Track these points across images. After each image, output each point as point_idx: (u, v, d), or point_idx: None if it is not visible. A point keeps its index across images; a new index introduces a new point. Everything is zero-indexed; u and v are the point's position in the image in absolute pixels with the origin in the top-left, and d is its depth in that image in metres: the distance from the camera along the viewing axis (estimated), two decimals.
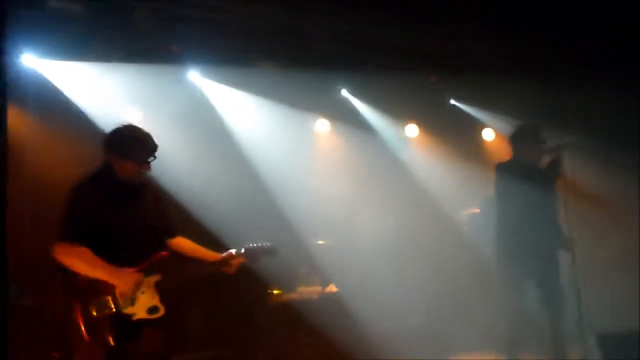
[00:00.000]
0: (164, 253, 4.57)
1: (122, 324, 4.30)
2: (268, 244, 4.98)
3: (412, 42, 8.33)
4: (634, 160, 8.20)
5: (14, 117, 7.27)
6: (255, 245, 4.93)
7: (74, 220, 4.34)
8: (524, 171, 6.22)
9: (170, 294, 4.56)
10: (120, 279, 4.30)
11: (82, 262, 4.26)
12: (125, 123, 4.70)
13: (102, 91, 7.63)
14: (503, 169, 6.40)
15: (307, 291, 8.33)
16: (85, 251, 4.27)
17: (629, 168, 8.29)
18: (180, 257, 4.81)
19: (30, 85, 7.21)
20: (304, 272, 8.51)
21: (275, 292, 8.29)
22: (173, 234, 4.85)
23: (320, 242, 8.85)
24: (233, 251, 4.88)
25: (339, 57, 8.47)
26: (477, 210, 8.83)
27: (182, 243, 4.87)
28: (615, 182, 8.53)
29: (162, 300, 4.49)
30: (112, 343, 4.21)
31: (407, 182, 9.52)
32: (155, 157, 4.58)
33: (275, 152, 8.80)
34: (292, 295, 8.31)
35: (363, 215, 9.04)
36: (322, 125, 9.57)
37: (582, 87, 8.26)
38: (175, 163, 7.81)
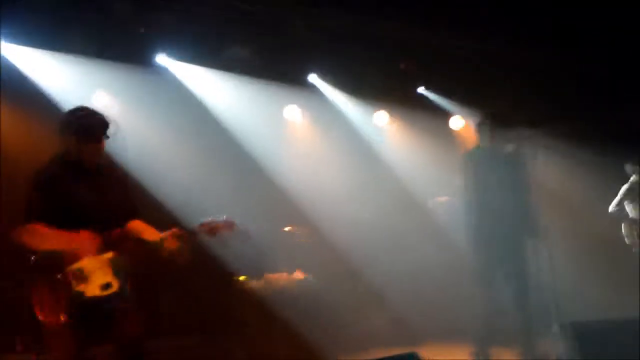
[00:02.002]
0: (118, 230, 4.50)
1: (83, 304, 4.24)
2: (223, 217, 4.75)
3: (384, 30, 8.33)
4: (601, 150, 8.30)
5: None
6: (205, 220, 4.75)
7: (31, 204, 4.36)
8: (490, 159, 6.20)
9: (128, 274, 4.50)
10: (80, 241, 4.29)
11: (37, 236, 4.26)
12: (78, 106, 4.66)
13: (70, 77, 7.55)
14: (469, 156, 6.38)
15: (274, 278, 8.30)
16: (38, 226, 4.26)
17: (597, 158, 8.38)
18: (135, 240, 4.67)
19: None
20: (271, 259, 8.48)
21: (241, 278, 8.25)
22: (132, 217, 4.73)
23: (288, 228, 8.83)
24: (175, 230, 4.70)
25: (311, 42, 8.43)
26: (447, 198, 8.84)
27: (138, 226, 4.72)
28: (582, 172, 8.61)
29: (116, 277, 4.41)
30: (63, 320, 4.16)
31: (377, 169, 9.53)
32: (108, 136, 4.53)
33: (246, 136, 8.76)
34: (259, 282, 8.28)
35: (333, 202, 9.01)
36: (293, 111, 9.52)
37: (548, 77, 8.34)
38: (145, 146, 7.80)
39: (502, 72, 8.81)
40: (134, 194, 4.94)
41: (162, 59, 8.19)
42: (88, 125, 4.47)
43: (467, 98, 9.45)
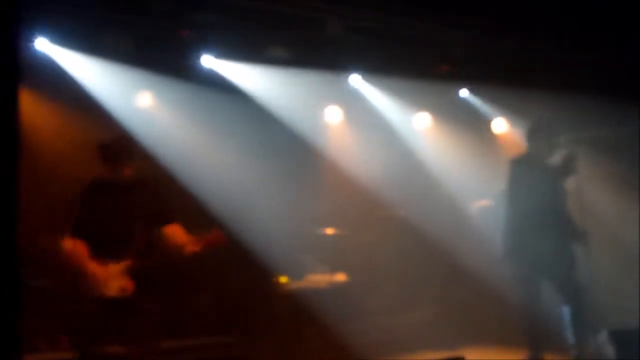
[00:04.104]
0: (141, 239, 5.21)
1: (104, 304, 5.07)
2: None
3: (426, 32, 8.28)
4: None
5: (25, 100, 7.30)
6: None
7: (73, 220, 5.26)
8: (538, 166, 6.17)
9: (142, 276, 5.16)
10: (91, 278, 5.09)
11: (74, 256, 5.15)
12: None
13: (114, 76, 7.60)
14: (517, 163, 6.35)
15: (315, 279, 8.31)
16: (79, 246, 5.15)
17: None
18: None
19: (43, 69, 7.18)
20: (312, 260, 8.48)
21: (282, 279, 8.27)
22: (164, 223, 5.35)
23: (328, 230, 8.83)
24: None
25: (353, 43, 8.41)
26: (487, 203, 8.77)
27: (173, 231, 5.35)
28: (630, 176, 8.47)
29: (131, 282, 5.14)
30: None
31: (418, 173, 9.47)
32: (123, 158, 5.34)
33: (286, 138, 8.76)
34: (300, 283, 8.29)
35: (373, 204, 8.99)
36: (334, 113, 9.50)
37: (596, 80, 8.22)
38: (187, 149, 7.86)
39: (549, 76, 8.70)
40: (165, 203, 5.50)
41: (205, 59, 8.20)
42: (104, 149, 5.35)
43: (511, 103, 9.35)
